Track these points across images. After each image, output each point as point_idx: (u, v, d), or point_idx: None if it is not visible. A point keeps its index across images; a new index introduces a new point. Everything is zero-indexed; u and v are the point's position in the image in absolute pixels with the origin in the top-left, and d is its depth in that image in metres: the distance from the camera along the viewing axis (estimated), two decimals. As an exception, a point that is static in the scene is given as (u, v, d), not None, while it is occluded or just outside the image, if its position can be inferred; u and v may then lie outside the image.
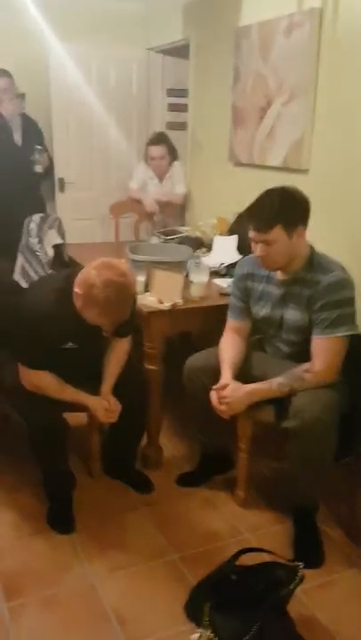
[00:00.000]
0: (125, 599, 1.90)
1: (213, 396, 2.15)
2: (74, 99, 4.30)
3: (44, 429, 2.13)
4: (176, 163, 4.08)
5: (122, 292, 1.92)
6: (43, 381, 2.13)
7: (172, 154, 4.07)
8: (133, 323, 2.28)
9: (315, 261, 2.08)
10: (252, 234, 2.05)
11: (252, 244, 2.09)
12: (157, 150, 3.99)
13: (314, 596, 1.91)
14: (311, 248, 2.11)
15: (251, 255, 2.23)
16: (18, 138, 3.75)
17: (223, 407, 2.12)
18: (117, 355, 2.31)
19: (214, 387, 2.16)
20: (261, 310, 2.23)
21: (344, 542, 2.18)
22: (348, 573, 2.04)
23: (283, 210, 1.99)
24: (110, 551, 2.12)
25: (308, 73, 2.78)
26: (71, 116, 4.35)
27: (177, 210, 4.15)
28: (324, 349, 2.04)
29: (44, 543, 2.15)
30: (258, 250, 2.06)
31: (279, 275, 2.14)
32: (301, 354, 2.12)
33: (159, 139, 4.03)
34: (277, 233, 1.98)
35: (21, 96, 3.79)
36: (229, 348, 2.28)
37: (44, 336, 2.05)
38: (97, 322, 2.00)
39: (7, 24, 4.03)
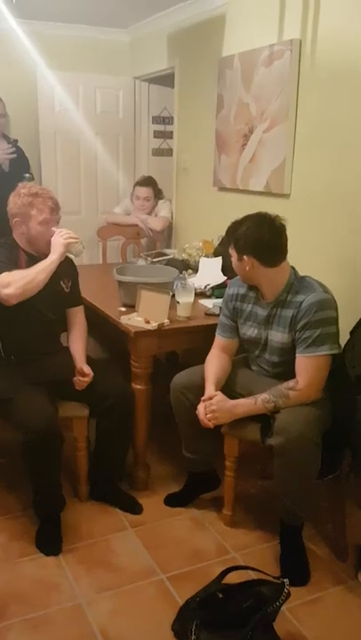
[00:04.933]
0: (113, 619, 1.90)
1: (200, 407, 2.18)
2: (61, 125, 4.39)
3: (41, 435, 2.11)
4: (161, 201, 4.19)
5: (39, 187, 2.36)
6: (9, 276, 2.17)
7: (158, 195, 4.19)
8: (79, 290, 2.57)
9: (295, 284, 2.14)
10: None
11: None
12: (143, 191, 4.11)
13: (300, 614, 1.93)
14: (293, 272, 2.17)
15: None
16: (5, 164, 3.80)
17: (210, 416, 2.15)
18: (78, 330, 2.53)
19: (202, 398, 2.20)
20: (248, 330, 2.28)
21: (330, 560, 2.20)
22: (334, 590, 2.05)
23: (233, 234, 2.15)
24: (98, 571, 2.12)
25: (288, 101, 2.88)
26: (59, 141, 4.44)
27: (162, 234, 4.22)
28: (307, 367, 2.08)
29: (32, 564, 2.14)
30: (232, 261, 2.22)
31: (267, 297, 2.20)
32: (284, 374, 2.17)
33: (147, 181, 4.15)
34: (232, 251, 2.17)
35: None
36: (214, 364, 2.32)
37: (2, 257, 2.26)
38: (42, 225, 2.27)
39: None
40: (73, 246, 2.31)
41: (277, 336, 2.17)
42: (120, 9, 3.92)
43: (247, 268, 2.14)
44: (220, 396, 2.17)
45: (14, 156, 3.79)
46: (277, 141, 2.99)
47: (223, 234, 3.22)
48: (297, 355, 2.12)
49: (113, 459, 2.48)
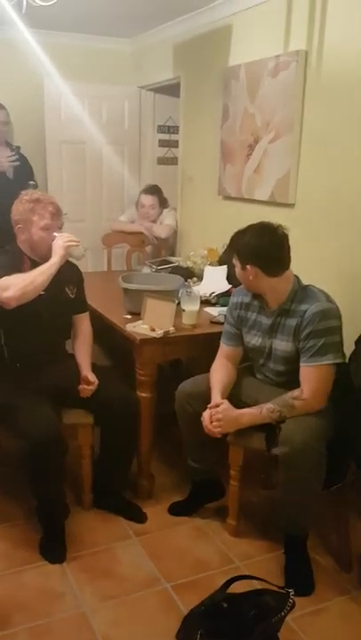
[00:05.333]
0: (117, 628, 1.89)
1: (206, 415, 2.18)
2: (68, 133, 4.42)
3: (44, 443, 2.11)
4: (165, 210, 4.21)
5: (40, 193, 2.40)
6: (9, 280, 2.17)
7: (163, 204, 4.21)
8: (84, 296, 2.59)
9: (299, 293, 2.15)
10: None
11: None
12: (148, 199, 4.13)
13: (305, 624, 1.92)
14: (296, 281, 2.18)
15: None
16: (9, 172, 3.81)
17: (215, 424, 2.15)
18: (84, 337, 2.55)
19: (208, 406, 2.20)
20: (253, 339, 2.29)
21: (334, 570, 2.20)
22: (338, 600, 2.04)
23: (236, 244, 2.19)
24: (102, 580, 2.11)
25: (293, 111, 2.89)
26: (65, 150, 4.46)
27: (167, 242, 4.23)
28: (312, 377, 2.09)
29: (36, 573, 2.14)
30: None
31: (269, 305, 2.21)
32: (289, 383, 2.17)
33: (152, 190, 4.17)
34: (235, 261, 2.18)
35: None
36: (219, 371, 2.33)
37: (3, 260, 2.28)
38: (43, 230, 2.29)
39: (7, 61, 4.18)
40: (74, 249, 2.32)
41: (281, 345, 2.18)
42: (125, 19, 3.95)
43: (250, 278, 2.15)
44: (226, 404, 2.17)
45: (17, 163, 3.80)
46: (282, 152, 3.01)
47: (228, 242, 3.27)
48: (301, 364, 2.12)
49: (117, 467, 2.48)
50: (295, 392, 2.10)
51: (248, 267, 2.13)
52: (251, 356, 2.36)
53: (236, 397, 2.28)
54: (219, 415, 2.15)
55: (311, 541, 2.21)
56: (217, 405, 2.18)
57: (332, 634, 1.90)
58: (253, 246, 2.10)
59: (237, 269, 2.20)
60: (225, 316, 2.44)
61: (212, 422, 2.16)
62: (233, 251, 2.19)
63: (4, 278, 2.19)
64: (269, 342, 2.23)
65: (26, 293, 2.17)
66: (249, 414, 2.14)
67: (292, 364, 2.16)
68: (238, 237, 2.17)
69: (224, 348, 2.39)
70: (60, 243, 2.27)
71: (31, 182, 3.76)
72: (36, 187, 3.74)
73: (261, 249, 2.10)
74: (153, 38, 4.31)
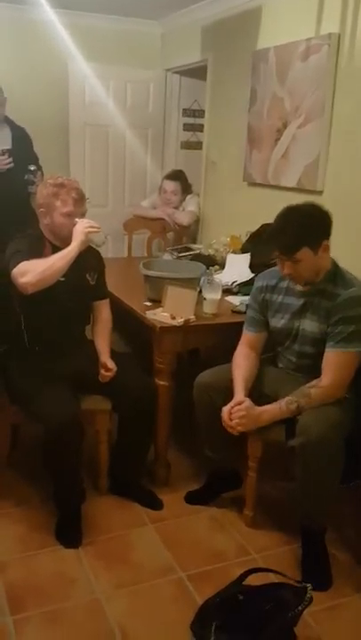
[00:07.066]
0: (131, 616, 1.89)
1: (226, 412, 2.15)
2: (91, 116, 4.38)
3: (62, 428, 2.10)
4: (188, 196, 4.14)
5: (65, 178, 2.32)
6: (27, 265, 2.15)
7: (186, 190, 4.13)
8: (104, 283, 2.56)
9: (337, 275, 2.10)
10: (277, 253, 2.08)
11: (279, 262, 2.11)
12: (171, 185, 4.06)
13: (321, 619, 1.89)
14: (334, 262, 2.13)
15: (272, 269, 2.27)
16: (7, 147, 3.57)
17: (237, 422, 2.11)
18: (103, 324, 2.53)
19: (230, 404, 2.16)
20: (279, 322, 2.24)
21: (352, 566, 2.16)
22: (356, 597, 2.01)
23: (305, 232, 2.02)
24: (117, 567, 2.10)
25: (324, 96, 2.82)
26: (88, 132, 4.42)
27: (189, 229, 4.18)
28: (335, 363, 2.05)
29: (51, 557, 2.14)
30: (285, 268, 2.08)
31: (299, 286, 2.16)
32: (310, 369, 2.14)
33: (176, 176, 4.10)
34: (303, 253, 2.01)
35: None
36: (243, 364, 2.28)
37: (25, 248, 2.24)
38: (65, 217, 2.25)
39: (32, 42, 4.13)
40: (94, 236, 2.28)
41: (311, 326, 2.13)
42: (153, 0, 3.87)
43: (322, 255, 2.05)
44: (248, 402, 2.13)
45: (11, 165, 3.50)
46: (312, 137, 2.93)
47: (252, 230, 3.21)
48: (326, 349, 2.08)
49: (134, 454, 2.47)
50: (313, 382, 2.07)
51: (325, 242, 2.05)
52: (275, 339, 2.31)
53: (257, 390, 2.25)
54: (242, 413, 2.11)
55: (330, 536, 2.18)
56: (239, 403, 2.14)
57: (350, 630, 1.87)
58: (327, 218, 2.04)
59: (309, 257, 2.02)
60: (247, 304, 2.39)
61: (232, 419, 2.12)
62: (298, 247, 2.01)
63: (22, 263, 2.17)
64: (297, 323, 2.18)
65: (43, 279, 2.15)
66: (269, 412, 2.11)
67: (318, 346, 2.12)
68: (294, 230, 2.01)
69: (248, 336, 2.35)
70: (81, 228, 2.24)
71: (31, 167, 3.58)
72: (36, 172, 3.57)
73: (330, 219, 2.04)
74: (181, 20, 4.22)
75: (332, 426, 1.97)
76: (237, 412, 2.11)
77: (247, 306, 2.40)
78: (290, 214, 2.06)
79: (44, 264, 2.17)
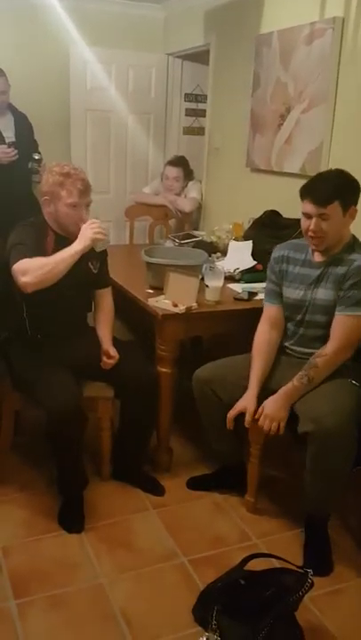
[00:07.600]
0: (133, 600, 1.91)
1: (248, 422, 2.18)
2: (93, 101, 4.33)
3: (64, 414, 2.11)
4: (191, 182, 4.11)
5: (72, 167, 2.28)
6: (28, 263, 2.13)
7: (188, 176, 4.10)
8: (107, 271, 2.55)
9: (356, 245, 2.13)
10: (308, 207, 2.06)
11: (304, 220, 2.10)
12: (173, 171, 4.03)
13: (322, 604, 1.91)
14: (354, 235, 2.16)
15: (291, 240, 2.32)
16: (10, 135, 3.62)
17: (269, 424, 2.11)
18: (105, 312, 2.52)
19: (249, 412, 2.17)
20: (294, 293, 2.23)
21: (354, 551, 2.18)
22: (357, 582, 2.03)
23: (342, 186, 2.07)
24: (119, 552, 2.12)
25: (328, 81, 2.79)
26: (90, 118, 4.38)
27: (191, 216, 4.16)
28: (343, 326, 2.07)
29: (55, 542, 2.16)
30: (312, 224, 2.07)
31: (317, 257, 2.16)
32: (319, 339, 2.15)
33: (178, 161, 4.07)
34: (335, 208, 2.03)
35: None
36: (264, 350, 2.26)
37: (27, 239, 2.23)
38: (69, 207, 2.23)
39: (33, 27, 4.08)
40: (99, 241, 2.25)
41: (325, 294, 2.13)
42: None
43: (349, 220, 2.10)
44: (266, 405, 2.13)
45: (15, 157, 3.51)
46: (315, 122, 2.91)
47: (255, 216, 3.19)
48: (336, 313, 2.09)
49: (136, 440, 2.48)
50: (318, 351, 2.10)
51: (353, 207, 2.08)
52: (288, 313, 2.28)
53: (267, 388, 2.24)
54: (270, 416, 2.11)
55: (331, 521, 2.19)
56: (257, 413, 2.14)
57: (350, 614, 1.89)
58: (355, 185, 2.07)
59: (334, 220, 2.04)
60: (249, 292, 2.37)
61: (266, 427, 2.12)
62: (332, 199, 2.02)
63: (23, 261, 2.13)
64: (311, 294, 2.17)
65: (43, 281, 2.12)
66: (286, 393, 2.11)
67: (330, 314, 2.13)
68: (332, 182, 2.07)
69: (269, 309, 2.32)
70: (89, 234, 2.19)
71: (35, 156, 3.58)
72: (40, 161, 3.57)
73: (359, 184, 2.08)
74: (184, 3, 4.17)
75: (348, 417, 1.97)
76: (264, 419, 2.12)
77: (249, 294, 2.38)
78: (328, 172, 2.15)
79: (45, 265, 2.12)
